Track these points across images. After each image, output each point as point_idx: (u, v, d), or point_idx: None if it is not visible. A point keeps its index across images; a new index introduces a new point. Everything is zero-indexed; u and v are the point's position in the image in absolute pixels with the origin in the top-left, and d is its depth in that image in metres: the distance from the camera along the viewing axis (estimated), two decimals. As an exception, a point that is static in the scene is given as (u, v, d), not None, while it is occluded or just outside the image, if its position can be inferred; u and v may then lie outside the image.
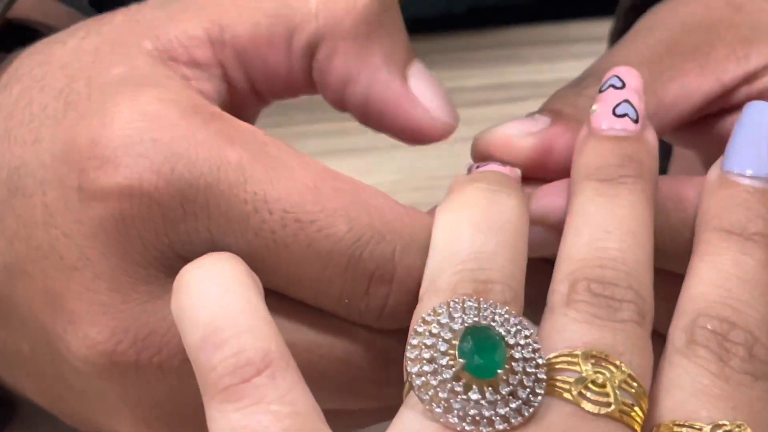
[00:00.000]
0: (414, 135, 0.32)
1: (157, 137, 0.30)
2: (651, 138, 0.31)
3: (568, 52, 0.55)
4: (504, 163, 0.32)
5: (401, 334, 0.30)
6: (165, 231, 0.30)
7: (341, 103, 0.33)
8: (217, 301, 0.28)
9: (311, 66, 0.32)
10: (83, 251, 0.30)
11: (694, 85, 0.35)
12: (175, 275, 0.29)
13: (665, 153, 0.40)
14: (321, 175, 0.30)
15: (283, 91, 0.33)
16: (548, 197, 0.32)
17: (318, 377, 0.29)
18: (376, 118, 0.32)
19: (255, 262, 0.29)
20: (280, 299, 0.30)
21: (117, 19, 0.33)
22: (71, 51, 0.34)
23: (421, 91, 0.33)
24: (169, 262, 0.30)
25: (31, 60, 0.34)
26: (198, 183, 0.29)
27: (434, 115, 0.32)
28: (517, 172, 0.32)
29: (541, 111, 0.34)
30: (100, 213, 0.30)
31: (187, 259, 0.30)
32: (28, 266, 0.31)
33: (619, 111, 0.31)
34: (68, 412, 0.35)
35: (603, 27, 0.46)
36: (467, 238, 0.29)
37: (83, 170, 0.30)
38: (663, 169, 0.40)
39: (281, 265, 0.30)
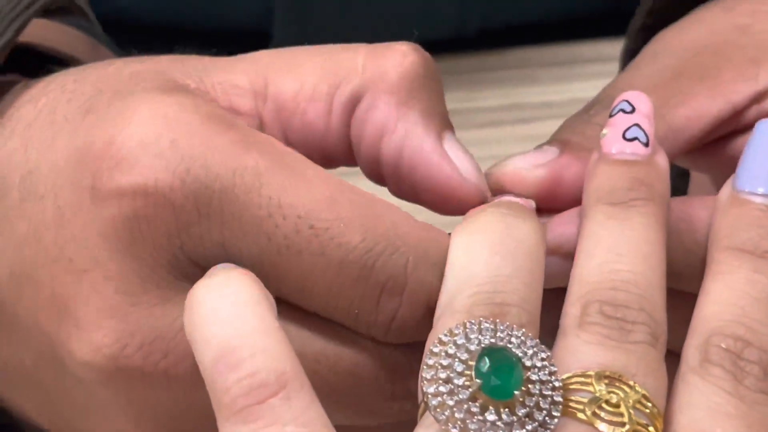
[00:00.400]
0: (444, 195, 0.33)
1: (175, 139, 0.30)
2: (662, 161, 0.32)
3: (580, 73, 0.56)
4: (517, 195, 0.33)
5: (408, 348, 0.31)
6: (177, 233, 0.30)
7: (375, 162, 0.33)
8: (230, 321, 0.28)
9: (350, 124, 0.33)
10: (93, 252, 0.31)
11: (704, 108, 0.36)
12: (185, 279, 0.30)
13: (683, 175, 0.41)
14: (337, 186, 0.31)
15: (318, 157, 0.33)
16: (561, 226, 0.32)
17: (326, 389, 0.30)
18: (407, 174, 0.33)
19: (266, 268, 0.30)
20: (291, 308, 0.31)
21: (162, 58, 0.34)
22: (107, 72, 0.34)
23: (454, 153, 0.33)
24: (180, 266, 0.31)
25: (65, 77, 0.34)
26: (213, 186, 0.30)
27: (466, 176, 0.33)
28: (532, 203, 0.32)
29: (550, 142, 0.35)
30: (113, 213, 0.30)
31: (198, 264, 0.30)
32: (36, 272, 0.32)
33: (629, 135, 0.31)
34: (72, 430, 0.35)
35: (615, 47, 0.46)
36: (483, 261, 0.29)
37: (97, 170, 0.30)
38: (683, 191, 0.42)
39: (293, 272, 0.30)
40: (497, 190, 0.33)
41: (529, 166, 0.34)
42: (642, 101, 0.32)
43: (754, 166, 0.32)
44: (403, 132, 0.32)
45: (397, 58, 0.33)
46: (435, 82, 0.33)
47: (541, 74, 0.57)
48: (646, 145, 0.31)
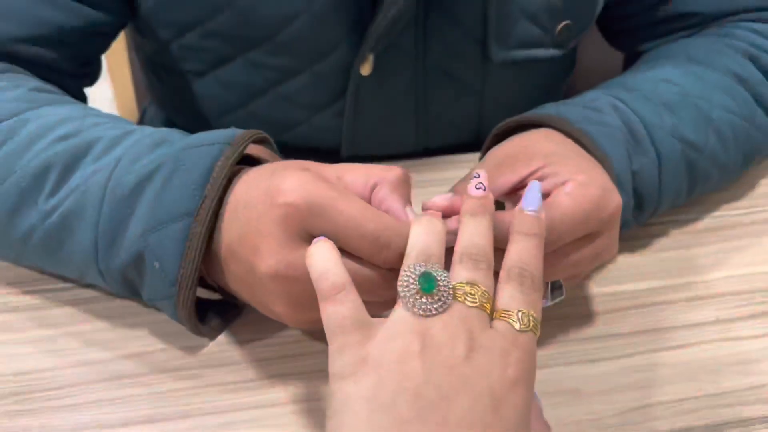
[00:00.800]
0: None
1: (301, 184, 0.37)
2: (491, 197, 0.39)
3: (467, 165, 0.59)
4: (435, 211, 0.40)
5: (391, 270, 0.39)
6: (302, 222, 0.37)
7: None
8: (322, 261, 0.36)
9: (371, 197, 0.40)
10: (269, 228, 0.38)
11: (509, 179, 0.45)
12: (306, 241, 0.37)
13: (500, 203, 0.48)
14: (366, 206, 0.38)
15: None
16: (453, 223, 0.39)
17: (359, 285, 0.36)
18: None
19: (338, 239, 0.37)
20: (345, 253, 0.38)
21: (303, 161, 0.41)
22: (279, 163, 0.41)
23: (410, 211, 0.40)
24: (304, 235, 0.38)
25: (263, 166, 0.43)
26: (315, 204, 0.37)
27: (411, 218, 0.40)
28: (439, 214, 0.40)
29: (450, 190, 0.44)
30: (278, 213, 0.37)
31: (311, 235, 0.37)
32: (247, 235, 0.39)
33: (477, 186, 0.39)
34: (257, 302, 0.42)
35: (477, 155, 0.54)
36: (422, 239, 0.37)
37: (273, 196, 0.38)
38: (500, 208, 0.47)
39: (347, 240, 0.38)
40: (426, 208, 0.41)
41: (441, 200, 0.41)
42: (483, 173, 0.40)
43: (528, 199, 0.39)
44: (390, 203, 0.40)
45: (392, 172, 0.41)
46: (407, 182, 0.41)
47: (451, 166, 0.62)
48: (484, 190, 0.39)
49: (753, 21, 0.60)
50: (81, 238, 0.44)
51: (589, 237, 0.43)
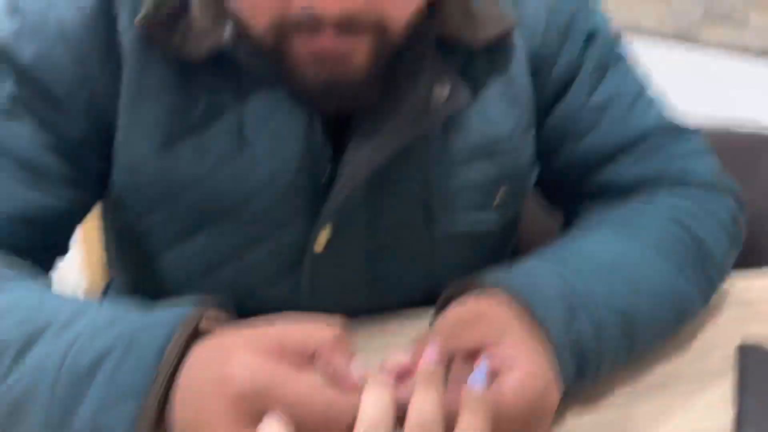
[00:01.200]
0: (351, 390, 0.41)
1: (251, 372, 0.39)
2: (442, 372, 0.41)
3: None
4: (387, 374, 0.43)
5: None
6: (252, 407, 0.39)
7: (327, 375, 0.41)
8: None
9: (314, 360, 0.41)
10: (221, 414, 0.39)
11: (463, 343, 0.46)
12: (259, 421, 0.39)
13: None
14: (313, 382, 0.40)
15: None
16: (403, 390, 0.41)
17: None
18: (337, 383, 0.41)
19: (288, 416, 0.39)
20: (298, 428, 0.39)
21: (249, 329, 0.44)
22: (227, 337, 0.43)
23: (355, 369, 0.42)
24: (256, 416, 0.39)
25: (212, 338, 0.44)
26: (265, 389, 0.39)
27: (356, 380, 0.41)
28: (392, 378, 0.41)
29: (410, 343, 0.46)
30: (229, 401, 0.39)
31: (261, 414, 0.39)
32: (199, 421, 0.40)
33: (430, 359, 0.41)
34: None
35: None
36: (371, 412, 0.39)
37: (222, 385, 0.39)
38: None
39: (296, 418, 0.39)
40: (384, 369, 0.43)
41: (398, 361, 0.43)
42: (437, 348, 0.42)
43: (476, 378, 0.42)
44: (334, 367, 0.41)
45: (328, 333, 0.42)
46: (344, 338, 0.43)
47: (407, 322, 0.63)
48: (437, 364, 0.41)
49: (668, 187, 0.64)
50: (33, 420, 0.44)
51: (526, 424, 0.45)
